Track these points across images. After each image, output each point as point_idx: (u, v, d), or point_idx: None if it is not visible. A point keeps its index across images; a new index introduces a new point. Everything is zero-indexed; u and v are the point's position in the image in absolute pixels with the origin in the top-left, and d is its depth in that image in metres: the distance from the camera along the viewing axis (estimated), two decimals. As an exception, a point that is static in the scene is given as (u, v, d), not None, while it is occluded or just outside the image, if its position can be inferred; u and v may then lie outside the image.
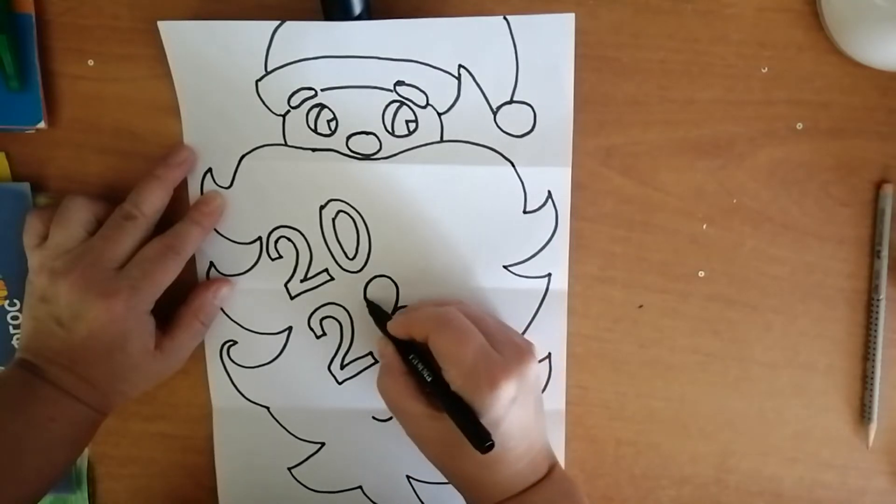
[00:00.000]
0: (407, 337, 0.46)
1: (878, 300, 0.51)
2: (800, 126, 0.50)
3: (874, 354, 0.51)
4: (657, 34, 0.49)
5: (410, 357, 0.46)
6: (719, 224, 0.51)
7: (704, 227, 0.51)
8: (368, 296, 0.51)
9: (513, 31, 0.48)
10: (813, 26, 0.49)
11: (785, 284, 0.51)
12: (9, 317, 0.52)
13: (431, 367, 0.45)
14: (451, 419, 0.43)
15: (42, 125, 0.49)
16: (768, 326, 0.52)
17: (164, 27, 0.48)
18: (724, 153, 0.50)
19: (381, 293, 0.51)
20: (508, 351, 0.44)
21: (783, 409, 0.52)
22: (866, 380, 0.51)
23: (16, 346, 0.52)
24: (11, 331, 0.52)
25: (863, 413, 0.52)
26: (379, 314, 0.50)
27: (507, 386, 0.43)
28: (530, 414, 0.45)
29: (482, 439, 0.41)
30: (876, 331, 0.51)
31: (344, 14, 0.47)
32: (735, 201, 0.51)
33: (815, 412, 0.52)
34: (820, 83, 0.50)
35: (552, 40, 0.48)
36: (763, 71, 0.49)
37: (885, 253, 0.50)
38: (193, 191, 0.50)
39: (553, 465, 0.47)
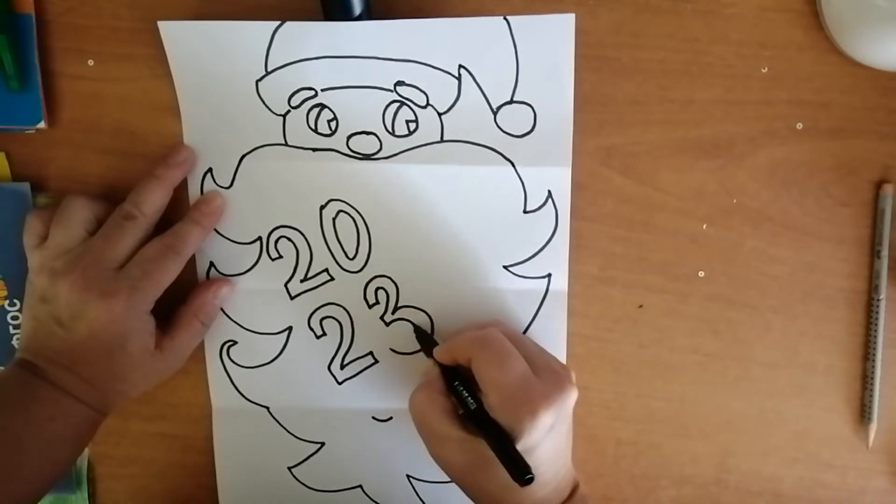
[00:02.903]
0: (452, 362, 0.46)
1: (878, 300, 0.51)
2: (800, 126, 0.50)
3: (874, 354, 0.51)
4: (657, 34, 0.49)
5: (455, 384, 0.45)
6: (719, 224, 0.51)
7: (704, 227, 0.51)
8: (417, 322, 0.51)
9: (513, 32, 0.48)
10: (813, 26, 0.49)
11: (785, 284, 0.51)
12: (9, 317, 0.52)
13: (475, 395, 0.44)
14: (491, 449, 0.42)
15: (42, 125, 0.49)
16: (768, 326, 0.52)
17: (164, 27, 0.48)
18: (724, 153, 0.50)
19: (383, 294, 0.51)
20: (548, 377, 0.44)
21: (783, 409, 0.52)
22: (866, 380, 0.51)
23: (16, 346, 0.52)
24: (11, 331, 0.52)
25: (863, 413, 0.52)
26: (426, 340, 0.50)
27: (546, 415, 0.42)
28: (563, 440, 0.45)
29: (522, 472, 0.41)
30: (876, 331, 0.51)
31: (344, 14, 0.47)
32: (735, 201, 0.51)
33: (815, 412, 0.52)
34: (820, 83, 0.50)
35: (552, 40, 0.48)
36: (763, 71, 0.49)
37: (885, 253, 0.50)
38: (193, 191, 0.50)
39: (575, 487, 0.47)
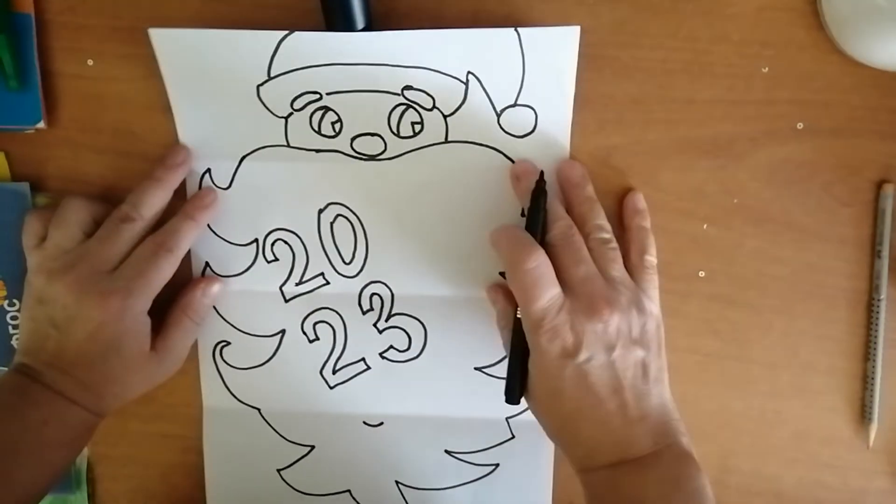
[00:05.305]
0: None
1: (878, 300, 0.50)
2: (800, 126, 0.50)
3: (874, 354, 0.51)
4: (658, 33, 0.49)
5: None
6: (720, 224, 0.51)
7: (705, 227, 0.51)
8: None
9: (522, 43, 0.47)
10: (814, 26, 0.49)
11: (785, 284, 0.51)
12: (8, 317, 0.52)
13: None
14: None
15: (41, 125, 0.49)
16: (768, 326, 0.52)
17: (155, 35, 0.47)
18: (724, 153, 0.50)
19: (377, 300, 0.51)
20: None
21: (783, 409, 0.52)
22: (867, 380, 0.51)
23: (15, 346, 0.52)
24: (11, 331, 0.52)
25: (863, 413, 0.52)
26: None
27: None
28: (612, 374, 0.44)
29: (511, 391, 0.46)
30: (876, 331, 0.51)
31: (347, 26, 0.46)
32: (736, 201, 0.51)
33: (815, 412, 0.52)
34: (821, 83, 0.49)
35: (558, 50, 0.48)
36: (764, 70, 0.49)
37: (885, 253, 0.50)
38: (192, 192, 0.50)
39: (669, 445, 0.44)
